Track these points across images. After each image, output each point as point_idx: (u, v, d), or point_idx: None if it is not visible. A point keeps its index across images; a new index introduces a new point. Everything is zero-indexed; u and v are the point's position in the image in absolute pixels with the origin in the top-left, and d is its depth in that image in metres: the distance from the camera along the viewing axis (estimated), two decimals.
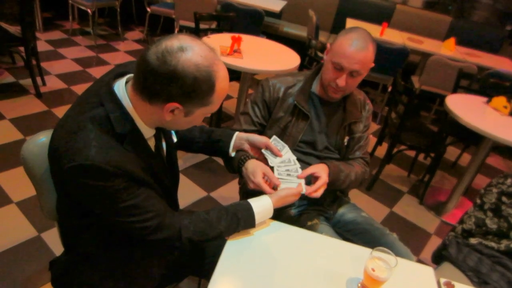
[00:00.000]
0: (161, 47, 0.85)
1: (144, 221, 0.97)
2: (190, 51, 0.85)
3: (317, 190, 1.30)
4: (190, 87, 0.86)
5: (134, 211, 0.95)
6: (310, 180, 1.34)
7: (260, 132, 1.58)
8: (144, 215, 0.96)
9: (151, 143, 1.06)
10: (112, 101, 0.93)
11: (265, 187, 1.22)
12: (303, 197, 1.29)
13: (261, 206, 1.14)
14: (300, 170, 1.29)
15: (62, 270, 1.16)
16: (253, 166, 1.29)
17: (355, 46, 1.33)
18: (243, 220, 1.11)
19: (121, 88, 0.94)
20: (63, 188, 0.99)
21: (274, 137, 1.33)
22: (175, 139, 1.21)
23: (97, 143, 0.87)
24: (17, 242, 1.97)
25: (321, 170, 1.34)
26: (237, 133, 1.34)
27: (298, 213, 1.54)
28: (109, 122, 0.91)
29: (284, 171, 1.28)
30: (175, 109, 0.91)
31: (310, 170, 1.33)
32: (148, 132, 1.00)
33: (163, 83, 0.86)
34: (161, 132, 1.13)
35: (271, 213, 1.16)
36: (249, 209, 1.12)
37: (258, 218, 1.13)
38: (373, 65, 1.43)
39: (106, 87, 0.94)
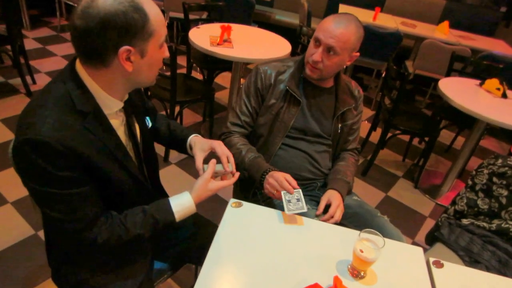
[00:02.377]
0: (78, 9, 0.85)
1: (68, 222, 0.93)
2: None
3: (333, 216, 1.35)
4: (125, 23, 0.85)
5: (63, 207, 0.91)
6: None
7: (255, 121, 1.58)
8: (71, 215, 0.93)
9: (119, 121, 1.04)
10: (73, 78, 0.92)
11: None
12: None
13: (180, 205, 1.09)
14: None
15: (57, 265, 1.17)
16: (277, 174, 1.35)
17: (335, 23, 1.35)
18: (161, 221, 1.06)
19: (78, 64, 0.94)
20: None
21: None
22: (149, 124, 1.20)
23: (52, 120, 0.86)
24: (14, 241, 1.97)
25: (331, 197, 1.40)
26: (191, 137, 1.30)
27: None
28: (70, 100, 0.90)
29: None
30: (129, 55, 0.89)
31: (323, 202, 1.39)
32: (115, 105, 0.99)
33: (100, 35, 0.85)
34: (134, 115, 1.11)
35: (193, 208, 1.11)
36: (168, 209, 1.08)
37: (178, 216, 1.09)
38: (357, 54, 1.43)
39: (68, 65, 0.94)
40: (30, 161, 0.86)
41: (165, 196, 1.32)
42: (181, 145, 1.31)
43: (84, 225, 0.95)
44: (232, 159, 1.20)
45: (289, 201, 1.25)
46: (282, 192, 1.28)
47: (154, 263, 1.32)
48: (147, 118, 1.20)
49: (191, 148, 1.28)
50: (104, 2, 0.84)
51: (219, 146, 1.21)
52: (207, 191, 1.12)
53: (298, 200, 1.25)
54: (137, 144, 1.12)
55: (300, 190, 1.28)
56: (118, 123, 1.04)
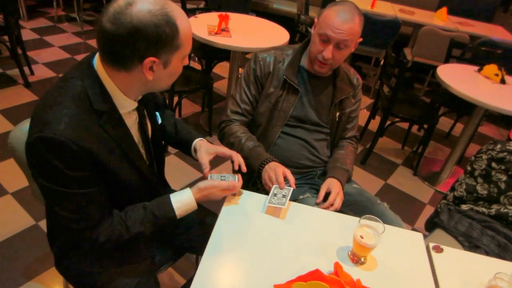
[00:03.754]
0: (110, 11, 0.84)
1: (73, 220, 0.94)
2: (138, 2, 0.84)
3: (333, 204, 1.36)
4: (155, 36, 0.84)
5: (70, 206, 0.92)
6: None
7: (254, 108, 1.57)
8: (77, 214, 0.94)
9: (132, 120, 1.04)
10: (91, 76, 0.91)
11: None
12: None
13: (180, 201, 1.08)
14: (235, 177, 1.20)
15: (60, 255, 1.18)
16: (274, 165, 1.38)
17: (341, 17, 1.33)
18: (162, 217, 1.06)
19: (97, 62, 0.93)
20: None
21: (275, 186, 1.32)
22: (159, 121, 1.20)
23: (68, 119, 0.86)
24: (15, 231, 1.98)
25: (330, 185, 1.41)
26: (196, 140, 1.31)
27: None
28: (87, 98, 0.90)
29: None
30: (153, 65, 0.89)
31: (323, 191, 1.40)
32: (129, 105, 0.99)
33: (129, 44, 0.84)
34: (145, 110, 1.11)
35: (194, 205, 1.11)
36: (168, 205, 1.07)
37: (179, 212, 1.08)
38: (360, 39, 1.43)
39: (86, 62, 0.94)
40: (43, 158, 0.86)
41: (169, 189, 1.33)
42: (185, 147, 1.32)
43: (88, 225, 0.96)
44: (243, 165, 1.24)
45: (275, 195, 1.26)
46: (274, 185, 1.30)
47: (157, 253, 1.32)
48: (157, 113, 1.20)
49: (195, 151, 1.29)
50: (138, 11, 0.82)
51: (228, 149, 1.24)
52: (215, 195, 1.12)
53: (284, 196, 1.26)
54: (148, 142, 1.13)
55: (292, 189, 1.29)
56: (131, 122, 1.04)
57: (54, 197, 0.92)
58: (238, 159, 1.26)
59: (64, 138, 0.83)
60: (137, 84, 0.94)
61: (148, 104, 1.13)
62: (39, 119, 0.87)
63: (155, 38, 0.84)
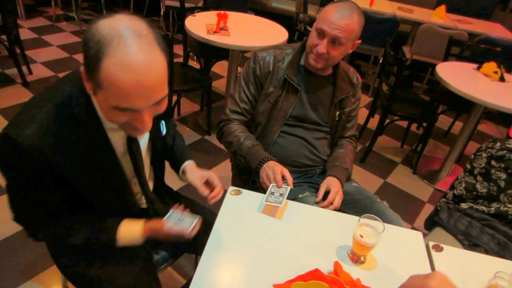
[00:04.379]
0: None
1: (17, 214, 0.98)
2: (108, 19, 0.77)
3: (332, 202, 1.37)
4: (84, 47, 0.76)
5: (17, 202, 0.96)
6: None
7: (254, 108, 1.57)
8: (22, 212, 0.97)
9: (119, 135, 0.98)
10: (77, 84, 0.88)
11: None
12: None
13: (128, 231, 1.05)
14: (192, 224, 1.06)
15: (55, 253, 1.19)
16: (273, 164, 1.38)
17: (339, 13, 1.33)
18: (103, 239, 1.05)
19: None
20: None
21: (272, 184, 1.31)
22: (163, 131, 1.15)
23: (40, 125, 0.84)
24: (14, 231, 1.98)
25: (329, 184, 1.42)
26: (187, 162, 1.28)
27: None
28: (70, 107, 0.87)
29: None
30: (85, 76, 0.81)
31: (322, 189, 1.41)
32: (110, 123, 0.93)
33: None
34: None
35: (138, 240, 1.06)
36: (114, 230, 1.04)
37: (123, 241, 1.05)
38: (359, 41, 1.43)
39: (78, 68, 0.91)
40: (4, 154, 0.86)
41: (170, 191, 1.34)
42: (175, 163, 1.30)
43: (29, 224, 1.00)
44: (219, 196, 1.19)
45: (272, 193, 1.26)
46: (272, 184, 1.30)
47: (155, 252, 1.32)
48: (162, 122, 1.14)
49: (183, 172, 1.26)
50: (98, 22, 0.76)
51: (216, 178, 1.20)
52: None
53: (281, 195, 1.25)
54: (135, 158, 1.05)
55: (289, 188, 1.28)
56: (117, 137, 0.98)
57: (8, 189, 0.93)
58: (219, 194, 1.19)
59: (25, 144, 0.82)
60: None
61: None
62: (16, 117, 0.87)
63: (83, 49, 0.77)
